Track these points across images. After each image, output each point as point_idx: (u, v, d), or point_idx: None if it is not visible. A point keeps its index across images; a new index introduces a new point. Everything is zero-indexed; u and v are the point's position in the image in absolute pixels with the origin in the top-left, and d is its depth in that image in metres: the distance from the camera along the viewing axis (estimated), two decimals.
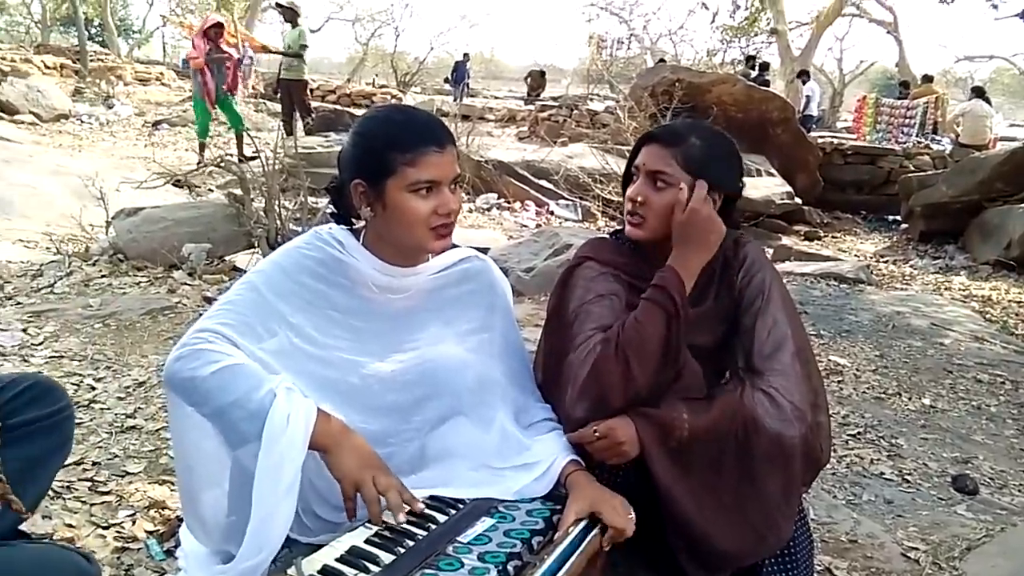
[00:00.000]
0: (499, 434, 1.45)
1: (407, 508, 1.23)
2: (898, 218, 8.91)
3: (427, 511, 1.29)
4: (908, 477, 2.63)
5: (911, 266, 6.98)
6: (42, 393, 1.38)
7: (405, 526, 1.23)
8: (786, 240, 7.68)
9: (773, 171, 8.73)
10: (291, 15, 9.11)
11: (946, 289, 5.99)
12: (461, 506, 1.33)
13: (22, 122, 8.97)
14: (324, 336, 1.40)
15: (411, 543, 1.20)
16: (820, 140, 10.67)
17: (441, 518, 1.29)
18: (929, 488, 2.56)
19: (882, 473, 2.66)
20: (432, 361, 1.45)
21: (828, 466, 2.67)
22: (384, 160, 1.33)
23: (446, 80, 21.78)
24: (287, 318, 1.36)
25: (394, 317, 1.46)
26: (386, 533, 1.22)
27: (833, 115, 20.96)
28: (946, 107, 12.59)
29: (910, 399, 3.41)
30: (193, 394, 1.24)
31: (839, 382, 3.57)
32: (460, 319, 1.50)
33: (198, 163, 7.93)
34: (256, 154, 7.84)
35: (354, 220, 1.48)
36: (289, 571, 1.14)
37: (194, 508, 1.41)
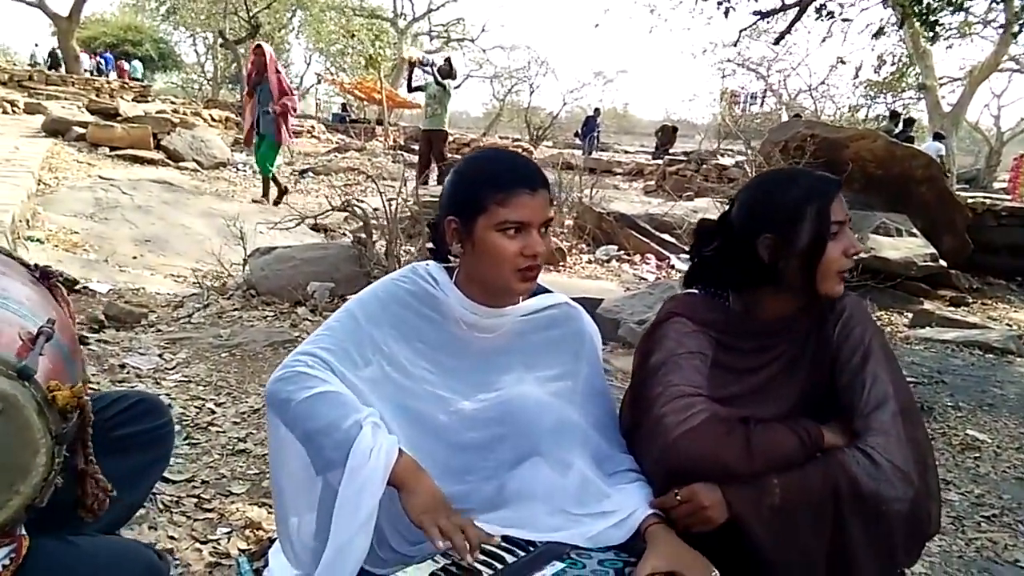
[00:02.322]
0: (578, 480, 1.42)
1: (476, 548, 1.22)
2: None
3: (497, 550, 1.28)
4: None
5: None
6: (147, 410, 1.49)
7: (474, 564, 1.23)
8: (928, 305, 7.16)
9: (915, 231, 8.20)
10: (449, 70, 9.77)
11: None
12: (532, 548, 1.31)
13: (186, 168, 9.85)
14: (414, 367, 1.43)
15: None
16: (971, 200, 9.98)
17: (511, 558, 1.27)
18: None
19: (1016, 561, 2.40)
20: (511, 401, 1.45)
21: (955, 549, 2.46)
22: (477, 198, 1.36)
23: (576, 134, 22.11)
24: (381, 346, 1.41)
25: (479, 356, 1.47)
26: (453, 569, 1.23)
27: (989, 175, 19.62)
28: None
29: None
30: (287, 416, 1.31)
31: (976, 459, 3.27)
32: (544, 364, 1.49)
33: (273, 199, 8.39)
34: (279, 197, 8.41)
35: (451, 257, 1.51)
36: None
37: (286, 529, 1.46)
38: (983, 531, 2.60)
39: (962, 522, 2.66)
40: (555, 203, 8.12)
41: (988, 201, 10.34)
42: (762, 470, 1.29)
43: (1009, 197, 12.25)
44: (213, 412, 2.73)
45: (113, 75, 23.76)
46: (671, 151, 17.30)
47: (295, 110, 8.49)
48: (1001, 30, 13.65)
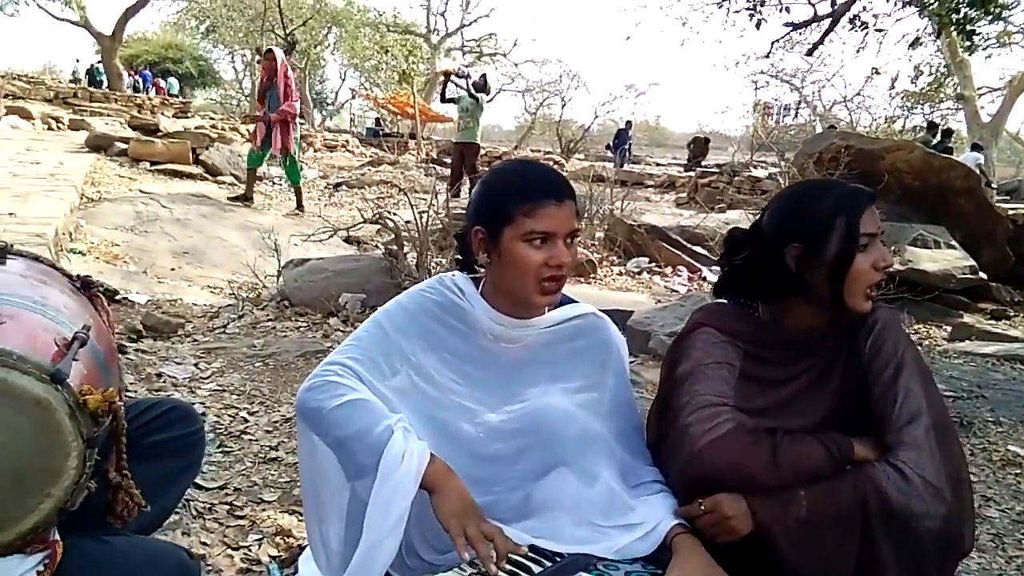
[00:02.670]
0: (604, 491, 1.42)
1: (503, 557, 1.23)
2: None
3: (524, 560, 1.29)
4: None
5: None
6: (179, 417, 1.52)
7: (500, 573, 1.24)
8: (968, 318, 7.02)
9: (954, 243, 8.05)
10: (483, 84, 9.88)
11: None
12: (559, 559, 1.31)
13: (223, 182, 10.03)
14: (441, 377, 1.45)
15: None
16: (1011, 211, 9.76)
17: (537, 569, 1.28)
18: None
19: None
20: (537, 412, 1.45)
21: (995, 567, 2.40)
22: (503, 208, 1.37)
23: (607, 147, 22.10)
24: (409, 357, 1.42)
25: (505, 367, 1.48)
26: None
27: None
28: None
29: None
30: (318, 424, 1.33)
31: (1017, 475, 3.19)
32: (570, 375, 1.50)
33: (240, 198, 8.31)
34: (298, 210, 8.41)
35: (478, 268, 1.53)
36: None
37: (316, 535, 1.48)
38: (1023, 549, 2.54)
39: (1002, 539, 2.59)
40: (586, 215, 8.17)
41: None
42: (788, 481, 1.27)
43: None
44: (246, 421, 2.77)
45: (151, 92, 24.33)
46: (703, 163, 17.21)
47: (294, 116, 8.31)
48: None
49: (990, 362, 5.20)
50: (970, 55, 15.03)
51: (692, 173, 15.23)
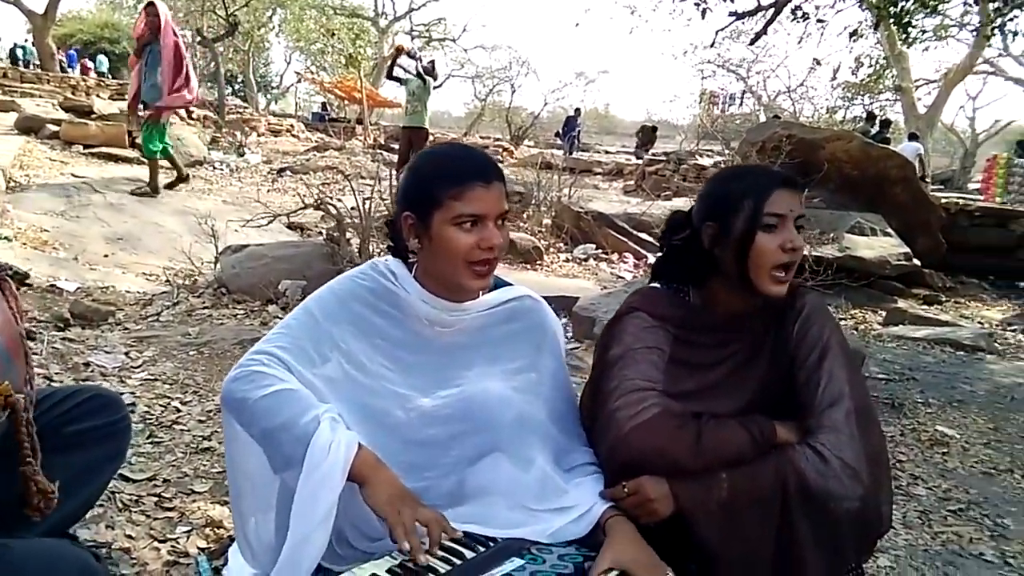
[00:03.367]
0: (539, 475, 1.42)
1: (435, 544, 1.21)
2: None
3: (454, 546, 1.27)
4: (1011, 560, 2.39)
5: None
6: (101, 406, 1.46)
7: (431, 561, 1.22)
8: (902, 303, 7.24)
9: (890, 231, 8.29)
10: (430, 69, 9.72)
11: None
12: (492, 544, 1.30)
13: (162, 166, 9.72)
14: (373, 364, 1.42)
15: None
16: (945, 200, 10.10)
17: (469, 554, 1.26)
18: None
19: (981, 554, 2.42)
20: (473, 397, 1.44)
21: (921, 543, 2.48)
22: (431, 192, 1.35)
23: (557, 134, 22.14)
24: (339, 344, 1.39)
25: (440, 352, 1.46)
26: (410, 565, 1.21)
27: (963, 176, 19.88)
28: None
29: (1023, 477, 3.11)
30: (244, 415, 1.29)
31: (944, 454, 3.30)
32: (506, 357, 1.48)
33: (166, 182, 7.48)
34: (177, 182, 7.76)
35: (410, 253, 1.50)
36: None
37: (244, 528, 1.44)
38: (949, 525, 2.62)
39: (929, 516, 2.68)
40: (533, 202, 8.16)
41: (962, 202, 10.47)
42: (712, 465, 1.29)
43: (982, 198, 12.40)
44: (178, 410, 2.69)
45: (78, 71, 23.41)
46: (651, 151, 17.37)
47: (186, 106, 7.55)
48: (975, 33, 13.82)
49: (921, 345, 5.38)
50: (908, 48, 15.43)
51: (640, 161, 15.35)
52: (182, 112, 14.26)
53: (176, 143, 10.68)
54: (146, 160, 7.64)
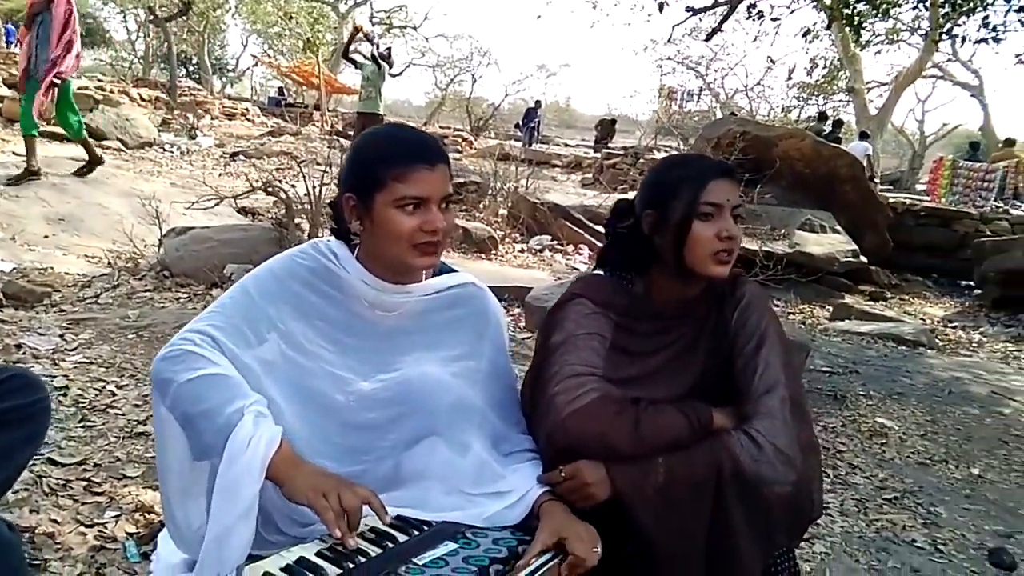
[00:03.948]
0: (475, 461, 1.40)
1: (355, 527, 1.19)
2: (971, 283, 8.51)
3: (387, 530, 1.25)
4: (942, 547, 2.45)
5: (980, 333, 6.63)
6: (20, 386, 1.40)
7: (362, 544, 1.20)
8: (848, 299, 7.42)
9: (839, 228, 8.47)
10: (385, 57, 9.55)
11: (1014, 358, 5.65)
12: (426, 528, 1.28)
13: (108, 147, 9.45)
14: (311, 346, 1.38)
15: (363, 559, 1.17)
16: (892, 200, 10.35)
17: (402, 538, 1.25)
18: (963, 560, 2.38)
19: (913, 541, 2.49)
20: (411, 381, 1.41)
21: (857, 530, 2.53)
22: (373, 174, 1.32)
23: (516, 126, 22.11)
24: (277, 324, 1.35)
25: (380, 336, 1.43)
26: (340, 548, 1.19)
27: (912, 177, 20.37)
28: None
29: (957, 467, 3.20)
30: (168, 396, 1.24)
31: (882, 444, 3.38)
32: (446, 343, 1.46)
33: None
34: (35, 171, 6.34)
35: (353, 235, 1.47)
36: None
37: (172, 512, 1.40)
38: (884, 513, 2.69)
39: (865, 504, 2.74)
40: (490, 192, 8.14)
41: (908, 201, 10.74)
42: (649, 451, 1.29)
43: (928, 198, 12.74)
44: (114, 394, 2.61)
45: (17, 47, 22.50)
46: (611, 145, 17.46)
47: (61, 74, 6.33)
48: (925, 37, 14.16)
49: (865, 340, 5.50)
50: (860, 50, 15.75)
51: (599, 155, 15.42)
52: (133, 93, 13.93)
53: (125, 124, 10.43)
54: (24, 138, 6.67)
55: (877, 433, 3.50)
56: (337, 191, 1.45)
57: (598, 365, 1.40)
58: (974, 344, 6.19)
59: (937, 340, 6.00)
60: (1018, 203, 11.38)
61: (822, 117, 14.53)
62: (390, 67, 9.66)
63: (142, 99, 14.97)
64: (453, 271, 1.52)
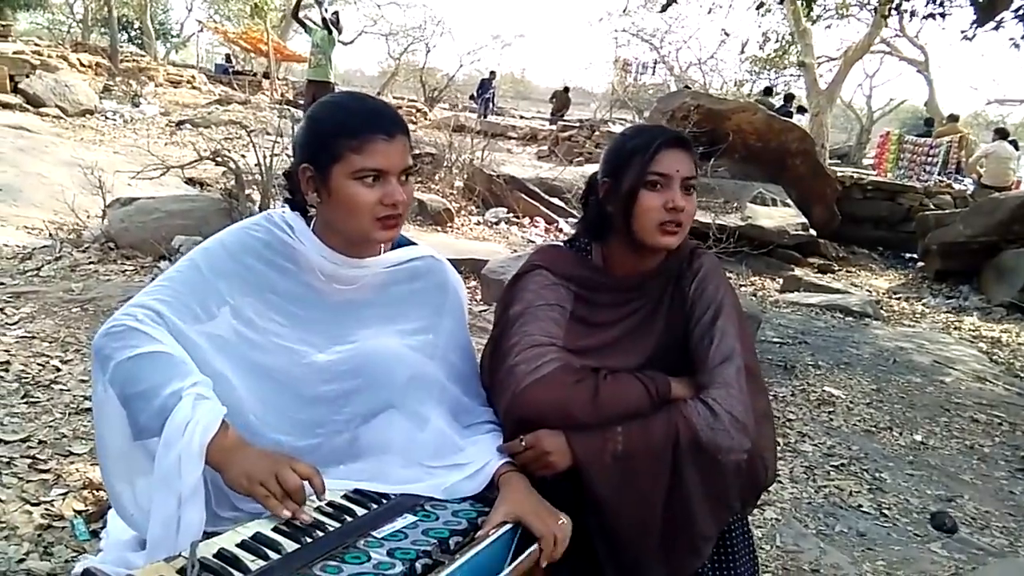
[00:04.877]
0: (435, 433, 1.39)
1: (302, 501, 1.16)
2: (915, 256, 8.77)
3: (345, 503, 1.24)
4: (886, 511, 2.54)
5: (923, 304, 6.85)
6: None
7: (319, 517, 1.18)
8: (798, 271, 7.58)
9: (789, 202, 8.62)
10: (334, 22, 9.28)
11: (955, 328, 5.85)
12: (385, 501, 1.27)
13: (47, 115, 9.10)
14: (263, 320, 1.35)
15: (320, 534, 1.16)
16: (840, 174, 10.55)
17: (360, 511, 1.24)
18: (907, 524, 2.46)
19: (860, 506, 2.57)
20: (368, 353, 1.39)
21: (806, 496, 2.60)
22: (330, 145, 1.28)
23: (471, 97, 21.89)
24: (227, 299, 1.32)
25: (336, 308, 1.40)
26: (297, 523, 1.17)
27: (859, 151, 20.79)
28: (970, 147, 12.42)
29: (901, 434, 3.31)
30: (107, 374, 1.20)
31: (830, 413, 3.47)
32: (405, 317, 1.44)
33: None
34: None
35: (309, 207, 1.43)
36: (183, 552, 1.10)
37: (115, 493, 1.36)
38: (832, 479, 2.77)
39: (813, 471, 2.82)
40: (445, 164, 8.06)
41: (856, 175, 10.96)
42: (608, 420, 1.30)
43: (875, 172, 13.02)
44: (58, 369, 2.53)
45: None
46: (566, 117, 17.41)
47: None
48: (875, 12, 14.35)
49: (814, 311, 5.63)
50: (812, 24, 15.91)
51: (554, 127, 15.38)
52: (73, 58, 13.38)
53: (64, 91, 10.03)
54: None
55: (825, 402, 3.59)
56: (292, 161, 1.41)
57: (558, 335, 1.40)
58: (917, 315, 6.39)
59: (882, 311, 6.18)
60: (960, 177, 11.71)
61: (767, 91, 14.69)
62: (339, 32, 9.39)
63: (82, 65, 14.42)
64: (412, 243, 1.50)
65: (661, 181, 1.39)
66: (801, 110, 14.19)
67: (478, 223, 7.05)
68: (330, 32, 9.24)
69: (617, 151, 1.45)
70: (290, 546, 1.12)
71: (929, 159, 12.20)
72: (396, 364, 1.39)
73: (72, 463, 1.96)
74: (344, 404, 1.38)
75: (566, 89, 20.32)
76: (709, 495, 1.30)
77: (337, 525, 1.18)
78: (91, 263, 3.75)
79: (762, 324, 4.50)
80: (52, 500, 1.77)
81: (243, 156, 4.81)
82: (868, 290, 7.39)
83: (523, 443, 1.30)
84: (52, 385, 2.41)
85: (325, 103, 1.41)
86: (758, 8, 9.95)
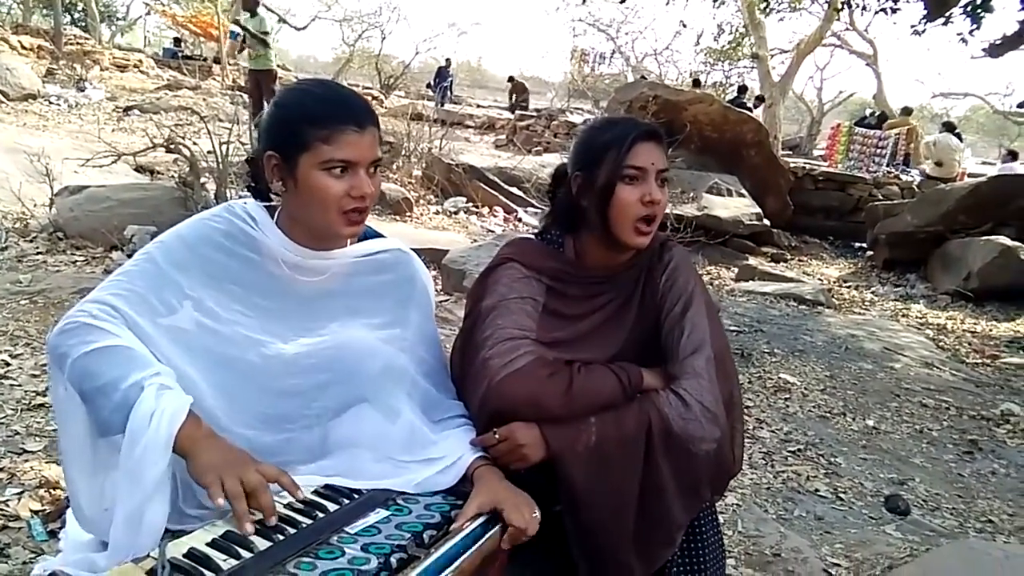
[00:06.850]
0: (406, 427, 1.38)
1: (270, 512, 1.13)
2: (864, 245, 8.98)
3: (317, 500, 1.22)
4: (842, 495, 2.61)
5: (872, 292, 7.03)
6: None
7: (291, 514, 1.16)
8: (752, 260, 7.71)
9: (744, 192, 8.76)
10: (251, 3, 9.03)
11: (903, 316, 6.02)
12: (357, 496, 1.26)
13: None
14: (226, 311, 1.32)
15: (293, 530, 1.14)
16: (792, 165, 10.75)
17: (332, 507, 1.22)
18: (862, 507, 2.53)
19: (817, 490, 2.63)
20: (338, 346, 1.37)
21: (764, 481, 2.65)
22: (298, 133, 1.25)
23: (428, 85, 21.71)
24: (186, 291, 1.28)
25: (302, 300, 1.38)
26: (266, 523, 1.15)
27: (810, 143, 21.20)
28: (919, 139, 12.76)
29: (854, 419, 3.40)
30: (65, 372, 1.16)
31: (786, 399, 3.55)
32: (372, 309, 1.42)
33: None
34: None
35: (272, 196, 1.40)
36: (152, 553, 1.07)
37: (75, 493, 1.32)
38: (789, 464, 2.83)
39: (771, 457, 2.88)
40: (404, 153, 7.98)
41: (807, 166, 11.17)
42: (581, 411, 1.30)
43: (826, 163, 13.29)
44: (7, 364, 2.45)
45: None
46: (524, 105, 17.39)
47: None
48: (827, 5, 14.61)
49: (769, 300, 5.74)
50: (765, 17, 16.15)
51: (512, 116, 15.35)
52: (13, 40, 12.90)
53: (4, 74, 9.66)
54: None
55: (781, 389, 3.67)
56: (254, 148, 1.37)
57: (531, 328, 1.40)
58: (867, 303, 6.55)
59: (834, 299, 6.33)
60: (907, 169, 12.02)
61: (695, 84, 14.90)
62: (254, 15, 9.10)
63: (23, 47, 13.91)
64: (380, 235, 1.48)
65: (638, 174, 1.39)
66: (760, 99, 14.39)
67: (437, 212, 7.01)
68: (253, 15, 9.02)
69: (589, 144, 1.45)
70: (262, 544, 1.10)
71: (878, 151, 12.50)
72: (367, 357, 1.37)
73: (26, 461, 1.90)
74: (314, 399, 1.36)
75: (511, 79, 20.33)
76: (682, 484, 1.32)
77: (309, 521, 1.17)
78: (39, 253, 3.63)
79: (719, 313, 4.57)
80: (7, 500, 1.71)
81: (195, 143, 4.70)
82: (820, 279, 7.55)
83: (497, 436, 1.30)
84: (2, 381, 2.33)
85: (295, 90, 1.38)
86: (715, 1, 10.03)
